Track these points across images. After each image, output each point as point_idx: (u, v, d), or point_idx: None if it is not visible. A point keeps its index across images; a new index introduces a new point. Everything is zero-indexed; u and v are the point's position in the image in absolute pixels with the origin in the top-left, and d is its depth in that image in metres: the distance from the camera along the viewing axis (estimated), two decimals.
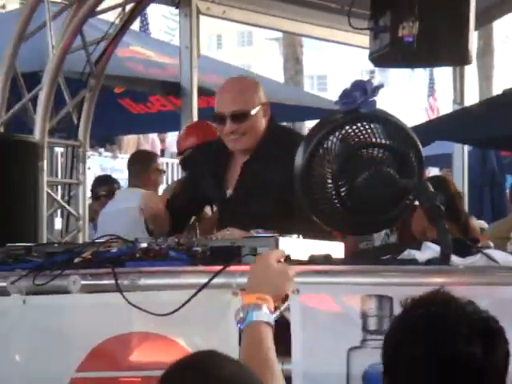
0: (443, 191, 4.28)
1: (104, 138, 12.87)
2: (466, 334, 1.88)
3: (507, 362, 1.94)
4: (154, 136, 15.40)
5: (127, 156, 8.87)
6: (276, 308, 2.75)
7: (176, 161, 12.38)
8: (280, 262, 2.84)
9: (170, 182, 12.19)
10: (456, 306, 1.97)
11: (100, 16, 6.02)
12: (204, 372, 1.91)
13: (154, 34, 13.30)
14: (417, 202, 3.29)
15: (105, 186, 7.23)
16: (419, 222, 4.81)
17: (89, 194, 6.81)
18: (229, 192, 3.92)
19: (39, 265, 3.18)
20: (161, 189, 7.35)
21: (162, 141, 16.42)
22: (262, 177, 3.82)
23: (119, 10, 5.57)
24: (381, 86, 3.10)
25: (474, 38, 4.83)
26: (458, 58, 4.91)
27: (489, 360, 1.87)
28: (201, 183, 4.02)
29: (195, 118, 6.95)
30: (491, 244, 3.45)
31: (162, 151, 15.96)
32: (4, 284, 3.24)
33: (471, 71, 8.72)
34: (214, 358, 1.98)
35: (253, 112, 3.80)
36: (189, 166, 5.02)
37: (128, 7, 5.52)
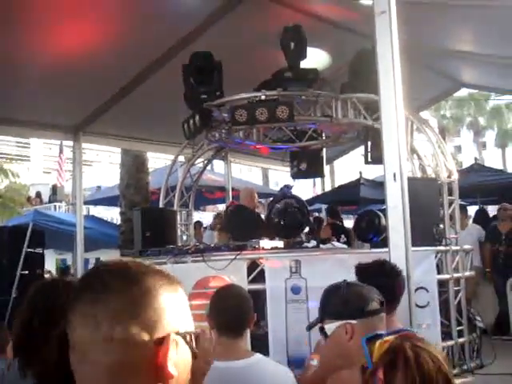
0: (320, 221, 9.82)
1: None
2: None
3: None
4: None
5: None
6: None
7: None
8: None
9: None
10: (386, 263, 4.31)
11: None
12: (232, 289, 3.67)
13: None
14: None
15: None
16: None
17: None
18: None
19: (175, 253, 7.91)
20: None
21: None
22: None
23: None
24: (292, 186, 8.50)
25: (327, 168, 10.90)
26: (318, 174, 11.02)
27: None
28: None
29: None
30: (335, 239, 8.78)
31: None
32: (164, 260, 7.72)
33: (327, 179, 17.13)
34: (236, 286, 3.77)
35: None
36: None
37: None
